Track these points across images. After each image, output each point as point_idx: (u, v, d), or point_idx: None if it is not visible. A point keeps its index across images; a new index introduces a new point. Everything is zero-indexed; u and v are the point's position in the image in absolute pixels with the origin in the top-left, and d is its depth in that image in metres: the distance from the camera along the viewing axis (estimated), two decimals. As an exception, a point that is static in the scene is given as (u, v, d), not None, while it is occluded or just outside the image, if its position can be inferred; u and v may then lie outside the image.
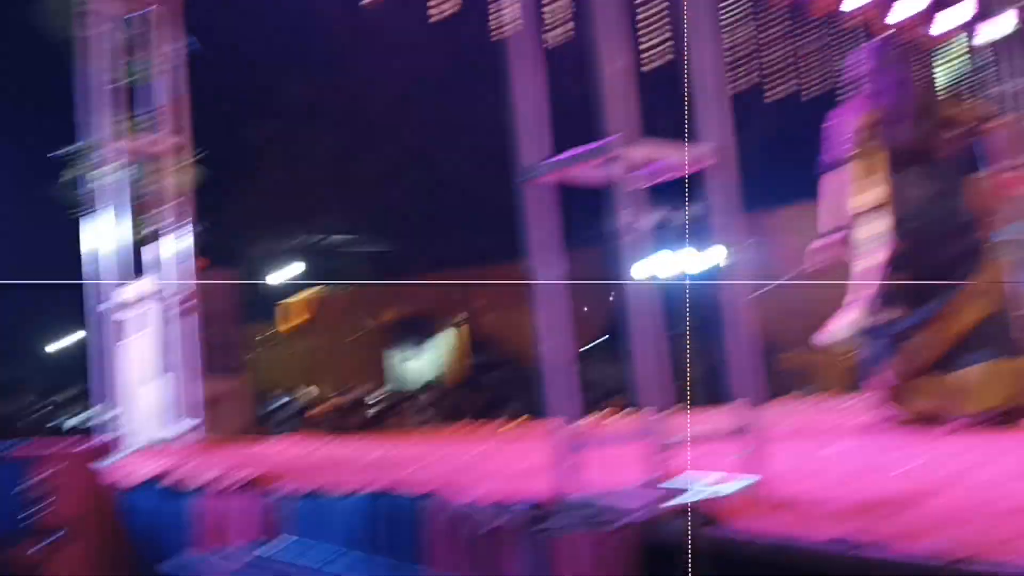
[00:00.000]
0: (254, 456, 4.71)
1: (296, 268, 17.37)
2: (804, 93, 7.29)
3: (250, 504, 3.70)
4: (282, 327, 16.50)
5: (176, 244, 5.58)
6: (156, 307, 5.58)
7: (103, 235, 5.31)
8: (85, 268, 5.33)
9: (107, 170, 5.33)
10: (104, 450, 4.95)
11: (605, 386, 8.40)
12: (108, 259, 5.31)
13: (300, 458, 4.53)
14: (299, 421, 10.24)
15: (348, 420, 10.01)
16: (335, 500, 3.20)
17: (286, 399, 12.31)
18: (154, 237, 5.51)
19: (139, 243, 5.46)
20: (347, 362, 15.76)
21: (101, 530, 4.70)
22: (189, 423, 5.33)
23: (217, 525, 3.87)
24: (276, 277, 17.40)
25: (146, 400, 5.45)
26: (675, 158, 2.47)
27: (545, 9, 5.63)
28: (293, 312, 16.60)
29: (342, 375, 15.24)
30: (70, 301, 6.67)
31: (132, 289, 5.40)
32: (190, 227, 5.58)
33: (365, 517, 3.01)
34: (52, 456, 4.75)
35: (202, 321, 5.58)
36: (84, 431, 8.80)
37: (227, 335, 5.82)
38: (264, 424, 9.81)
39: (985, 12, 6.46)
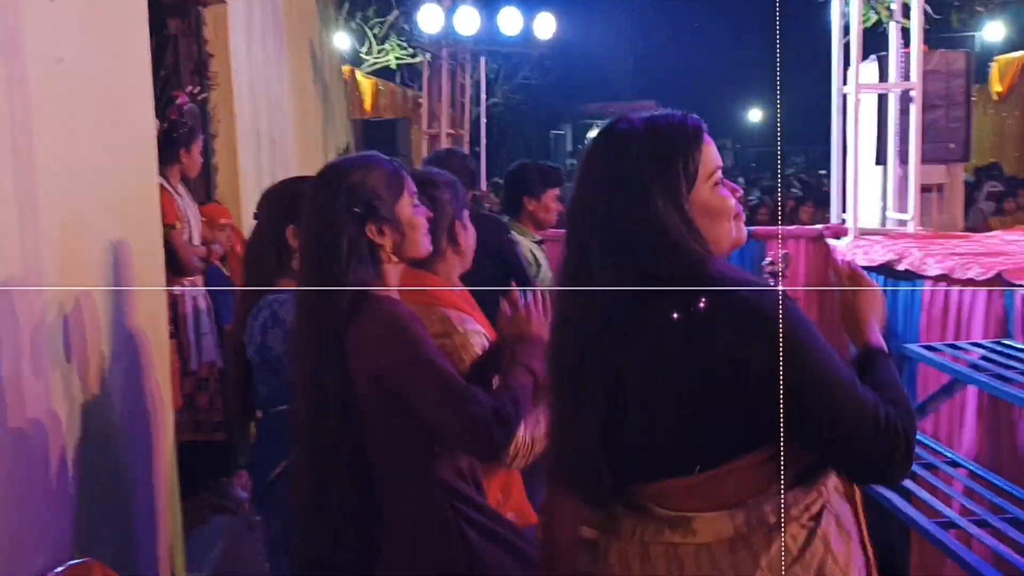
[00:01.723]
0: (984, 247, 4.63)
1: (1012, 22, 15.38)
2: None
3: (991, 298, 3.73)
4: (996, 89, 14.79)
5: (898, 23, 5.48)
6: (880, 95, 5.63)
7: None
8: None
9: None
10: (837, 232, 5.36)
11: None
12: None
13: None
14: (1011, 201, 9.47)
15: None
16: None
17: (993, 176, 11.43)
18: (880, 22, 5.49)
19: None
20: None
21: (831, 304, 5.20)
22: (908, 212, 5.41)
23: (951, 316, 3.99)
24: (991, 32, 15.62)
25: (869, 187, 5.65)
26: None
27: None
28: (1008, 72, 14.71)
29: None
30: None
31: (864, 72, 5.51)
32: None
33: None
34: (791, 235, 5.33)
35: (924, 106, 5.47)
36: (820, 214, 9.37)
37: (953, 120, 5.60)
38: (974, 206, 9.34)
39: None
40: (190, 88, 4.57)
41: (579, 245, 1.46)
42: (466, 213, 2.36)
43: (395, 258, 1.91)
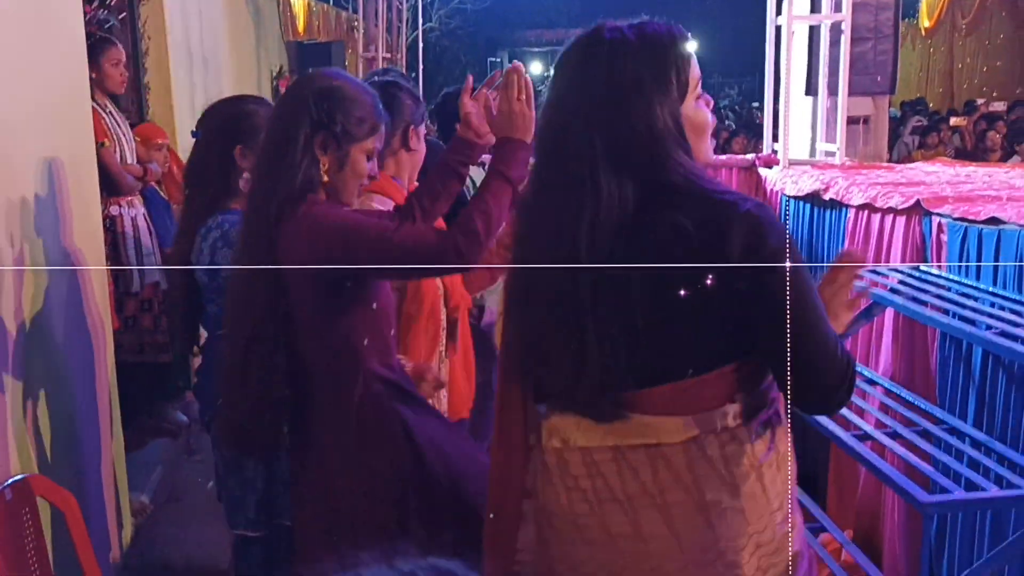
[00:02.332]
0: (906, 177, 4.80)
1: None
2: None
3: (910, 226, 3.90)
4: (925, 24, 15.11)
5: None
6: (811, 26, 5.72)
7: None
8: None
9: None
10: (768, 162, 5.49)
11: None
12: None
13: (955, 183, 4.51)
14: (935, 135, 9.77)
15: (989, 139, 9.26)
16: (1012, 232, 3.22)
17: (918, 111, 11.74)
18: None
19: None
20: (992, 69, 14.20)
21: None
22: (836, 143, 5.55)
23: (872, 242, 4.17)
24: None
25: (800, 118, 5.78)
26: None
27: None
28: (936, 7, 15.01)
29: (983, 85, 13.88)
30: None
31: (797, 3, 5.59)
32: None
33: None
34: (724, 164, 5.45)
35: (853, 39, 5.58)
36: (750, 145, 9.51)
37: (880, 52, 5.73)
38: (899, 140, 9.60)
39: None
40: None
41: (577, 151, 1.42)
42: (423, 127, 2.42)
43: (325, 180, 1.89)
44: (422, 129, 2.44)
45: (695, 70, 1.46)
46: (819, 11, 5.69)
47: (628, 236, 1.39)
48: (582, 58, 1.46)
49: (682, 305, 1.38)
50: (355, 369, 1.91)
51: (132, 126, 4.58)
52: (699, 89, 1.48)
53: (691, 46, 1.47)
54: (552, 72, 1.50)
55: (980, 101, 12.20)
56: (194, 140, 2.53)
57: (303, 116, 1.85)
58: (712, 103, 1.52)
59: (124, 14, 4.78)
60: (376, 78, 2.47)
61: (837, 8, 5.54)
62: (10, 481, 2.24)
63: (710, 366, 1.42)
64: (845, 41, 5.48)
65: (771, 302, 1.36)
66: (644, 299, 1.39)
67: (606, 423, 1.46)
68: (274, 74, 9.55)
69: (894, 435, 3.09)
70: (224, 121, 2.45)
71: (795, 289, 1.36)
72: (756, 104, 15.51)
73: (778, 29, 5.63)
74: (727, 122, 13.76)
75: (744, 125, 12.57)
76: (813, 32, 5.76)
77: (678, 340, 1.41)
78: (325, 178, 1.89)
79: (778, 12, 5.60)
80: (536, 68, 33.24)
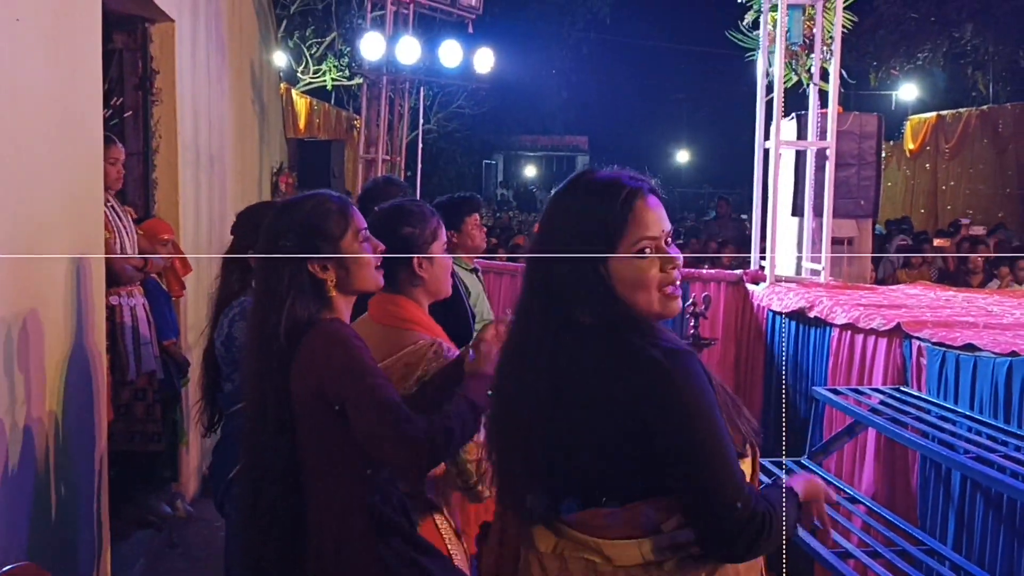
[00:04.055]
0: (887, 299, 4.95)
1: (925, 84, 16.34)
2: None
3: (891, 348, 4.01)
4: (909, 147, 15.63)
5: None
6: (797, 151, 5.96)
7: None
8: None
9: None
10: (755, 278, 5.64)
11: None
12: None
13: (935, 307, 4.65)
14: (918, 258, 9.99)
15: (971, 260, 9.48)
16: (987, 359, 3.33)
17: (903, 230, 12.02)
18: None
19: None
20: (974, 192, 14.61)
21: (747, 344, 5.48)
22: (820, 263, 5.72)
23: (856, 362, 4.28)
24: (906, 92, 16.53)
25: (786, 237, 5.96)
26: None
27: None
28: (920, 132, 15.56)
29: (967, 206, 14.25)
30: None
31: (784, 129, 5.84)
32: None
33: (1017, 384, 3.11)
34: (712, 278, 5.60)
35: (838, 165, 5.82)
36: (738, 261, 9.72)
37: (864, 178, 5.96)
38: (879, 260, 9.81)
39: None
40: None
41: (527, 286, 1.57)
42: (436, 243, 2.48)
43: (342, 291, 1.98)
44: (436, 246, 2.48)
45: (640, 226, 1.46)
46: (805, 137, 5.94)
47: (555, 370, 1.49)
48: (551, 197, 1.59)
49: (592, 439, 1.46)
50: (350, 501, 1.93)
51: (139, 221, 4.69)
52: (646, 243, 1.46)
53: (641, 203, 1.47)
54: None
55: (964, 221, 12.53)
56: (232, 238, 2.86)
57: (282, 268, 1.93)
58: (678, 260, 1.50)
59: (129, 112, 4.95)
60: (384, 204, 2.56)
61: (822, 135, 5.79)
62: (5, 569, 2.26)
63: (631, 496, 1.47)
64: (830, 167, 5.71)
65: (670, 442, 1.43)
66: (563, 432, 1.49)
67: (556, 534, 1.54)
68: (274, 170, 9.77)
69: (875, 554, 3.14)
70: (246, 224, 2.78)
71: (693, 432, 1.43)
72: (744, 216, 15.86)
73: (766, 152, 5.86)
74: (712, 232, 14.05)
75: (732, 237, 12.83)
76: (799, 157, 6.00)
77: (596, 469, 1.48)
78: (333, 292, 1.96)
79: (766, 136, 5.85)
80: (530, 172, 34.02)
